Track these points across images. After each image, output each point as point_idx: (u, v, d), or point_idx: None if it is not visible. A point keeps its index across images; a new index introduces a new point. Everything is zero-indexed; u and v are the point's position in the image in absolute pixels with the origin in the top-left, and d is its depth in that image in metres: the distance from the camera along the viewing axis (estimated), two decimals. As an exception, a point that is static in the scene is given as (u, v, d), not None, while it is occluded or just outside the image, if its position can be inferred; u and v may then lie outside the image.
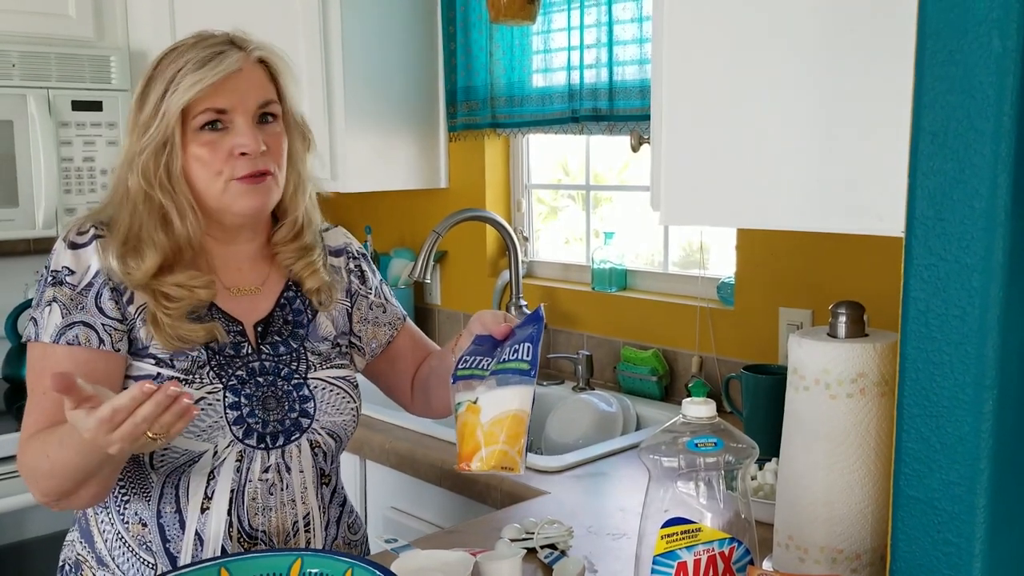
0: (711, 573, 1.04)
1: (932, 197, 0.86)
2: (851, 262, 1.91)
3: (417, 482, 1.92)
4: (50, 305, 1.22)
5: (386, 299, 1.49)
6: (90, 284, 1.23)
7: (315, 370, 1.33)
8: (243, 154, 1.23)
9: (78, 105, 2.29)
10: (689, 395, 1.13)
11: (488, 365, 1.20)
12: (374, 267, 1.52)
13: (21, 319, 2.41)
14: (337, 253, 1.46)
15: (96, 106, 2.31)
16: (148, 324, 1.23)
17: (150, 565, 1.25)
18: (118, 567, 1.26)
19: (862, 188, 1.05)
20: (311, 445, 1.31)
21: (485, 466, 1.12)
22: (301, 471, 1.30)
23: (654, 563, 1.04)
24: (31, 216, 2.25)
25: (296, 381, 1.31)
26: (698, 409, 1.10)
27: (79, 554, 1.32)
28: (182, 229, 1.24)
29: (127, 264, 1.22)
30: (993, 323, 0.83)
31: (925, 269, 0.88)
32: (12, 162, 2.21)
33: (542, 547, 1.38)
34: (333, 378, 1.35)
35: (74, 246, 1.25)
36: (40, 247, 2.55)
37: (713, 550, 1.04)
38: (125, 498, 1.27)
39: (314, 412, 1.31)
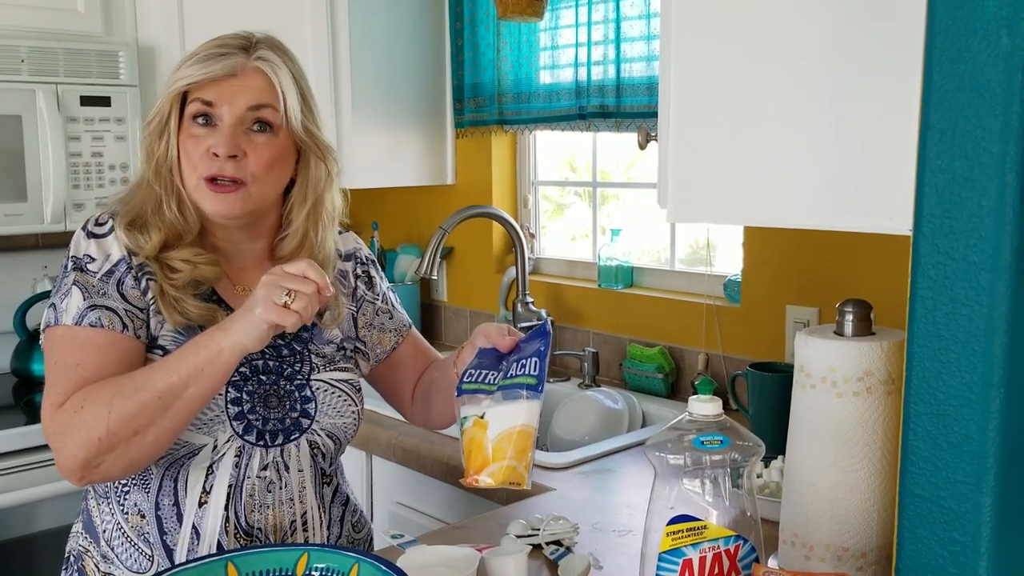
0: (716, 570, 1.04)
1: (940, 195, 0.86)
2: (858, 260, 1.90)
3: (423, 478, 1.92)
4: (71, 289, 1.23)
5: (393, 306, 1.49)
6: (111, 271, 1.25)
7: (318, 372, 1.34)
8: (215, 154, 1.24)
9: (86, 100, 2.29)
10: (695, 393, 1.13)
11: (494, 379, 1.20)
12: (382, 273, 1.52)
13: (30, 313, 2.42)
14: (347, 258, 1.46)
15: (104, 101, 2.32)
16: (156, 300, 1.24)
17: (147, 556, 1.26)
18: (117, 557, 1.27)
19: (872, 187, 1.05)
20: (310, 446, 1.31)
21: (495, 481, 1.14)
22: (300, 470, 1.30)
23: (659, 560, 1.04)
24: (39, 211, 2.25)
25: (299, 382, 1.32)
26: (704, 407, 1.10)
27: (82, 545, 1.33)
28: (170, 216, 1.26)
29: (137, 239, 1.25)
30: (1000, 321, 0.83)
31: (933, 267, 0.88)
32: (21, 157, 2.21)
33: (548, 543, 1.38)
34: (336, 381, 1.35)
35: (94, 235, 1.27)
36: (48, 242, 2.56)
37: (718, 547, 1.04)
38: (125, 488, 1.27)
39: (315, 413, 1.31)
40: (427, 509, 1.96)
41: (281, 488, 1.28)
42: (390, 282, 1.55)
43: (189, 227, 1.27)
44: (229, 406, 1.25)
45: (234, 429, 1.25)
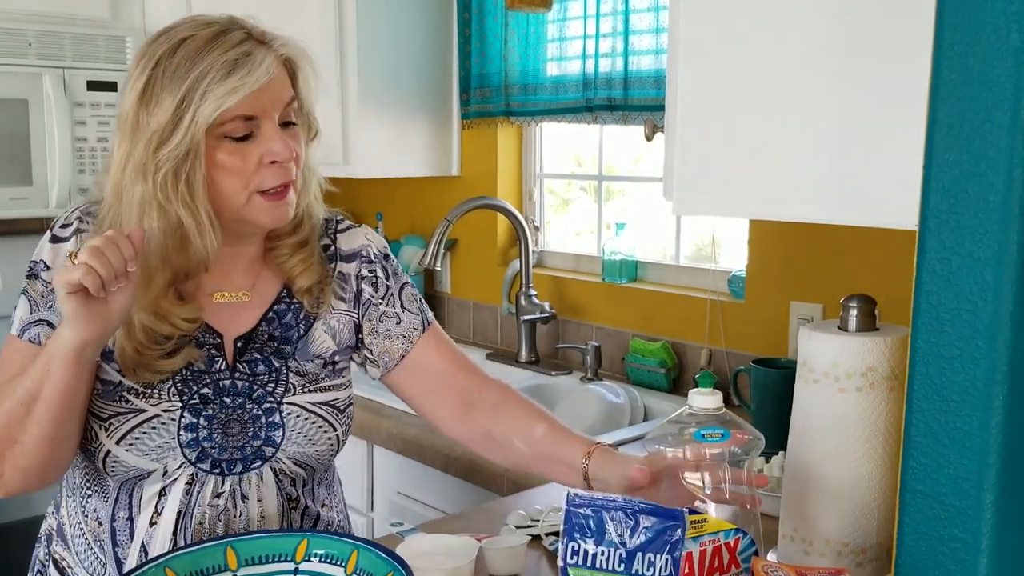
0: (716, 563, 1.04)
1: (946, 190, 0.86)
2: (864, 256, 1.90)
3: (424, 468, 1.92)
4: (21, 298, 1.19)
5: (403, 307, 1.33)
6: None
7: (293, 393, 1.22)
8: (273, 162, 1.14)
9: (93, 85, 2.30)
10: (696, 386, 1.13)
11: (612, 563, 1.01)
12: (397, 270, 1.36)
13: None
14: (350, 258, 1.32)
15: (111, 86, 2.32)
16: (116, 356, 1.15)
17: (101, 563, 1.21)
18: (76, 554, 1.24)
19: (878, 181, 1.05)
20: (275, 473, 1.22)
21: None
22: (260, 500, 1.21)
23: None
24: (44, 195, 2.26)
25: (268, 405, 1.21)
26: (705, 400, 1.10)
27: (51, 526, 1.29)
28: (202, 248, 1.14)
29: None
30: (1005, 318, 0.83)
31: (938, 263, 0.87)
32: (26, 141, 2.22)
33: (547, 534, 1.38)
34: (313, 404, 1.24)
35: (55, 239, 1.20)
36: (53, 227, 2.56)
37: (718, 540, 1.04)
38: (88, 492, 1.22)
39: (280, 441, 1.21)
40: (428, 499, 1.96)
41: (236, 517, 1.20)
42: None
43: (214, 256, 1.16)
44: (182, 432, 1.17)
45: (186, 457, 1.17)
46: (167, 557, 1.03)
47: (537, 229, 2.70)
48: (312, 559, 1.07)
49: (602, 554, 1.01)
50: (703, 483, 1.09)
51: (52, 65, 2.23)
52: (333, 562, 1.06)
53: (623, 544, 1.01)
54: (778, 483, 1.50)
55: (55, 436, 1.10)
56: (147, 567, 1.01)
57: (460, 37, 2.66)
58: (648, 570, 1.00)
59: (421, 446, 1.91)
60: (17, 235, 2.54)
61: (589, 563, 1.02)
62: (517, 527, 1.39)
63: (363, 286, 1.32)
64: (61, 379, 1.06)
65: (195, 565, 1.04)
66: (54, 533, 1.29)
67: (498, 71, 2.56)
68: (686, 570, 1.01)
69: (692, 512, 1.03)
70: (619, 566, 1.01)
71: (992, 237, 0.83)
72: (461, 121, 2.71)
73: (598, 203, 2.63)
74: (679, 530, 1.00)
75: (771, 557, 1.26)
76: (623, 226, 2.43)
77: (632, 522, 1.01)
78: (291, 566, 1.07)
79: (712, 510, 1.07)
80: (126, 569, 1.18)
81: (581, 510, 1.02)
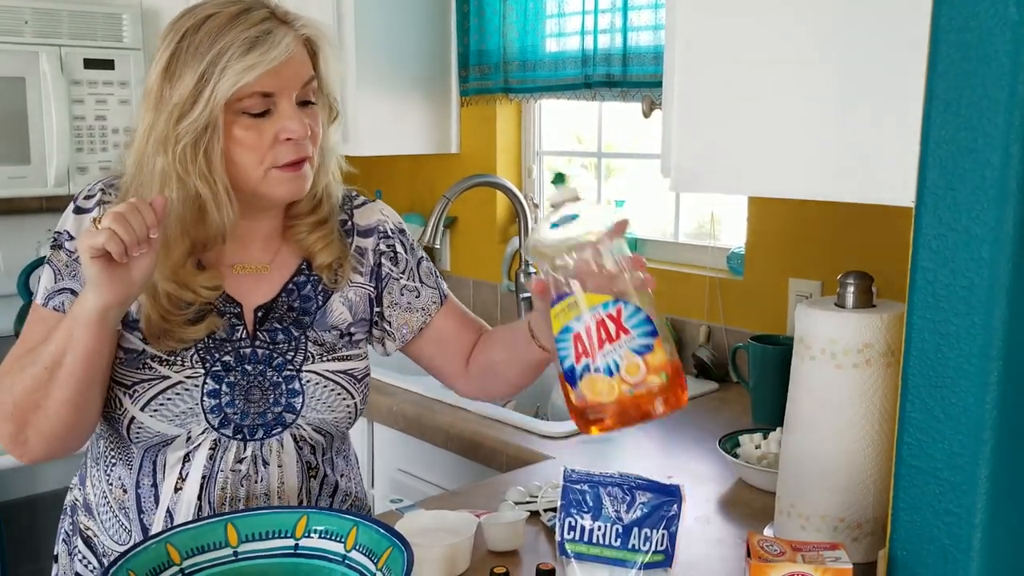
0: (603, 335, 1.00)
1: (943, 166, 0.86)
2: (863, 234, 1.90)
3: (424, 445, 1.93)
4: (46, 267, 1.21)
5: (421, 281, 1.38)
6: None
7: (312, 362, 1.26)
8: (288, 139, 1.17)
9: (90, 63, 2.29)
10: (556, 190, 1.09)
11: (606, 538, 1.03)
12: (413, 245, 1.40)
13: (33, 276, 2.43)
14: (367, 233, 1.35)
15: (108, 64, 2.31)
16: (142, 324, 1.18)
17: (127, 530, 1.24)
18: (102, 523, 1.27)
19: (875, 157, 1.05)
20: (295, 439, 1.26)
21: None
22: (280, 466, 1.25)
23: (556, 342, 1.02)
24: (43, 174, 2.25)
25: (288, 373, 1.24)
26: (556, 194, 1.07)
27: (75, 498, 1.33)
28: (219, 219, 1.17)
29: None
30: (1001, 294, 0.83)
31: (934, 239, 0.87)
32: (24, 119, 2.21)
33: (545, 510, 1.39)
34: (332, 372, 1.27)
35: (79, 210, 1.22)
36: (52, 205, 2.56)
37: (599, 314, 1.00)
38: (112, 461, 1.25)
39: (301, 408, 1.25)
40: (428, 476, 1.97)
41: (257, 482, 1.23)
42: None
43: (231, 228, 1.19)
44: (205, 398, 1.20)
45: (209, 422, 1.20)
46: (168, 534, 1.04)
47: (536, 206, 2.69)
48: (312, 535, 1.07)
49: (599, 529, 1.02)
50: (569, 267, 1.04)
51: (49, 43, 2.22)
52: (333, 538, 1.06)
53: (619, 519, 1.02)
54: (775, 459, 1.51)
55: (78, 401, 1.13)
56: (148, 543, 1.01)
57: (458, 13, 2.64)
58: (644, 545, 1.01)
59: (421, 423, 1.92)
60: (15, 214, 2.54)
61: (586, 538, 1.03)
62: (516, 503, 1.40)
63: (382, 260, 1.36)
64: (84, 343, 1.09)
65: (196, 541, 1.04)
66: (79, 505, 1.32)
67: (497, 47, 2.55)
68: (580, 350, 0.99)
69: (561, 297, 1.01)
70: (615, 541, 1.02)
71: (989, 213, 0.83)
72: (460, 98, 2.69)
73: (598, 180, 2.62)
74: (675, 505, 1.01)
75: (767, 532, 1.27)
76: (622, 203, 2.43)
77: (629, 497, 1.02)
78: (291, 542, 1.07)
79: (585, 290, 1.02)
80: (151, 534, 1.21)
81: (578, 486, 1.03)
